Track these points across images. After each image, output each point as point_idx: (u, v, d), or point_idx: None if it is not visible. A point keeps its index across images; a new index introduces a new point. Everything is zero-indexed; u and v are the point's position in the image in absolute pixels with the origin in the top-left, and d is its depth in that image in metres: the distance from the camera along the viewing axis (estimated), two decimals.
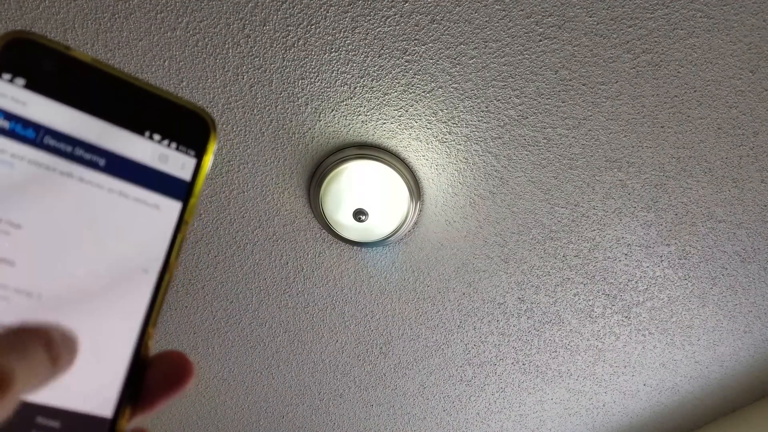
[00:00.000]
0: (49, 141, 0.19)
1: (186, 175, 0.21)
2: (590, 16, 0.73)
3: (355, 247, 1.00)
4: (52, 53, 0.19)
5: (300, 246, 1.01)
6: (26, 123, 0.18)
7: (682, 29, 0.74)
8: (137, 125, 0.20)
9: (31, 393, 0.16)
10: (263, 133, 0.87)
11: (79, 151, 0.19)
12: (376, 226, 0.92)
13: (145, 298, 0.19)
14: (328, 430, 1.39)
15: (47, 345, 0.16)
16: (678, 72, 0.78)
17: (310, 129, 0.86)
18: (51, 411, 0.17)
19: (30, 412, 0.16)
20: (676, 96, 0.80)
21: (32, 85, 0.19)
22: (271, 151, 0.89)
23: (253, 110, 0.84)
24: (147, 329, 0.19)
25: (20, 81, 0.19)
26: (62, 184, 0.19)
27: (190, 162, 0.21)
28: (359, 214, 0.89)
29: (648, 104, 0.81)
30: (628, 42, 0.75)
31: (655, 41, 0.75)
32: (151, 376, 0.19)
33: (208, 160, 0.22)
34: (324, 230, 0.98)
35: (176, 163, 0.21)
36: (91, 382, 0.18)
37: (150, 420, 1.37)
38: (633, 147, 0.86)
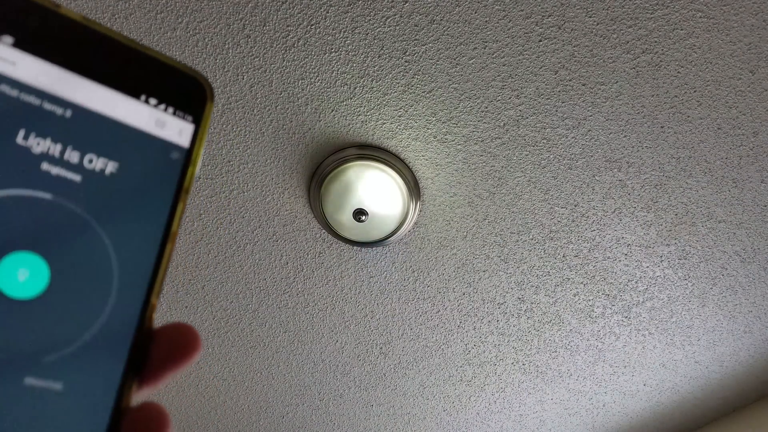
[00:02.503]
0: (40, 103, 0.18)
1: (185, 141, 0.20)
2: (590, 17, 0.73)
3: (355, 247, 1.00)
4: (40, 10, 0.18)
5: (300, 246, 1.01)
6: (14, 83, 0.17)
7: (681, 29, 0.74)
8: (132, 88, 0.19)
9: None
10: (263, 133, 0.87)
11: (71, 115, 0.18)
12: (376, 226, 0.92)
13: (148, 267, 0.19)
14: (328, 430, 1.39)
15: None
16: (678, 72, 0.78)
17: (310, 129, 0.86)
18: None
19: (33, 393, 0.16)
20: (675, 96, 0.80)
21: (21, 44, 0.18)
22: (271, 151, 0.89)
23: (253, 110, 0.84)
24: (150, 300, 0.18)
25: (8, 39, 0.17)
26: None
27: (188, 128, 0.20)
28: (359, 214, 0.89)
29: (648, 104, 0.81)
30: (627, 42, 0.75)
31: (655, 41, 0.75)
32: (156, 349, 0.18)
33: (206, 125, 0.21)
34: (324, 230, 0.98)
35: (174, 128, 0.20)
36: (94, 357, 0.17)
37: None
38: (632, 147, 0.86)
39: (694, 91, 0.80)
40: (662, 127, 0.84)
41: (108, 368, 0.17)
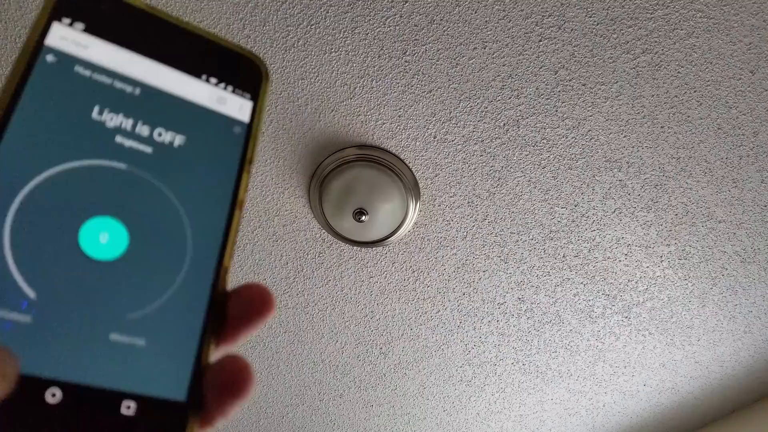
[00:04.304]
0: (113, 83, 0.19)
1: (245, 116, 0.22)
2: (590, 17, 0.73)
3: (355, 247, 1.00)
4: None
5: (300, 246, 1.01)
6: (87, 64, 0.19)
7: (682, 29, 0.74)
8: (194, 69, 0.21)
9: None
10: (263, 133, 0.87)
11: (140, 93, 0.20)
12: (376, 226, 0.92)
13: (219, 231, 0.20)
14: (328, 430, 1.39)
15: None
16: (678, 72, 0.78)
17: (310, 129, 0.86)
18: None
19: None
20: (675, 96, 0.80)
21: (91, 29, 0.19)
22: (271, 151, 0.89)
23: None
24: (223, 262, 0.19)
25: (79, 25, 0.19)
26: None
27: (247, 104, 0.22)
28: (359, 214, 0.89)
29: (647, 104, 0.81)
30: (627, 42, 0.75)
31: (655, 41, 0.75)
32: (232, 308, 0.19)
33: (264, 101, 0.22)
34: (324, 230, 0.98)
35: (234, 105, 0.22)
36: (174, 315, 0.18)
37: None
38: (632, 147, 0.86)
39: (694, 91, 0.80)
40: (662, 127, 0.84)
41: (187, 326, 0.18)
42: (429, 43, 0.77)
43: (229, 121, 0.21)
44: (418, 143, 0.87)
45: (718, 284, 1.02)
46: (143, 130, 0.19)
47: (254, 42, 0.77)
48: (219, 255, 0.19)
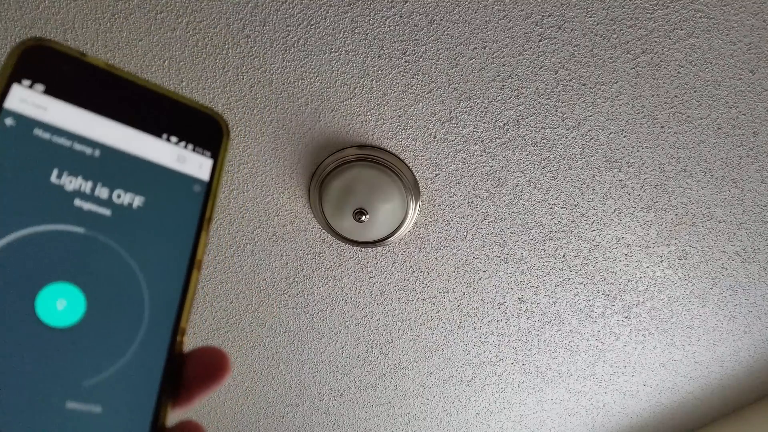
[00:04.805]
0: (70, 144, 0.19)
1: (205, 175, 0.22)
2: (589, 17, 0.73)
3: (355, 247, 1.00)
4: (68, 60, 0.20)
5: (300, 246, 1.01)
6: (47, 127, 0.19)
7: (681, 29, 0.74)
8: (154, 128, 0.21)
9: None
10: (263, 133, 0.87)
11: (99, 155, 0.20)
12: (376, 226, 0.92)
13: (177, 294, 0.20)
14: (328, 430, 1.39)
15: None
16: (678, 72, 0.78)
17: (310, 129, 0.87)
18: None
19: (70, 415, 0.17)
20: (675, 96, 0.80)
21: (52, 91, 0.19)
22: (271, 151, 0.89)
23: (253, 110, 0.85)
24: (180, 325, 0.19)
25: (39, 87, 0.19)
26: None
27: (207, 162, 0.22)
28: (359, 214, 0.89)
29: (647, 104, 0.81)
30: (627, 42, 0.75)
31: (655, 41, 0.75)
32: (188, 371, 0.19)
33: (224, 159, 0.22)
34: (324, 230, 0.98)
35: (194, 163, 0.22)
36: (130, 380, 0.18)
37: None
38: (632, 147, 0.86)
39: (694, 91, 0.80)
40: (662, 127, 0.84)
41: (143, 391, 0.18)
42: (429, 43, 0.77)
43: (189, 180, 0.21)
44: (418, 143, 0.87)
45: (718, 284, 1.02)
46: (102, 192, 0.19)
47: (254, 42, 0.77)
48: (176, 318, 0.19)
